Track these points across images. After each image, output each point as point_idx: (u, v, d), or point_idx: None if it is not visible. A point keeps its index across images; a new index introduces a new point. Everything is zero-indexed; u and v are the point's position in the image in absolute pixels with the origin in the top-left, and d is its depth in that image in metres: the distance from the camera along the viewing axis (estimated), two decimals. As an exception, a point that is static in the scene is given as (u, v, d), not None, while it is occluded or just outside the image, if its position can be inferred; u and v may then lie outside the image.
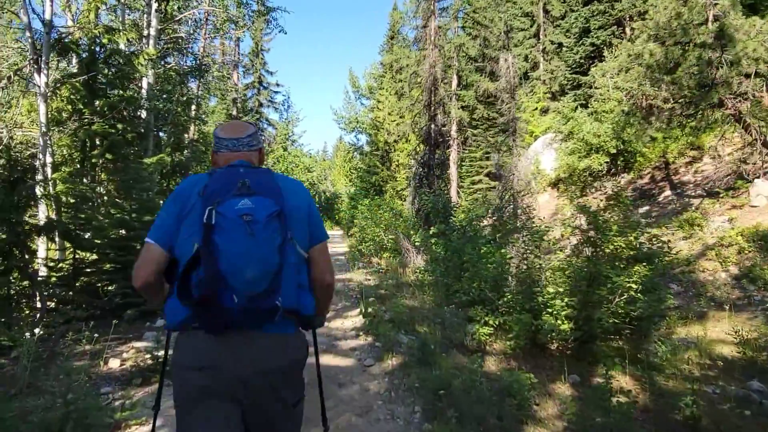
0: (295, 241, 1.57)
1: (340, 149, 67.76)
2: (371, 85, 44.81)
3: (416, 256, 10.41)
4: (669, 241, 7.40)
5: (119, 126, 10.80)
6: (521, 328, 5.08)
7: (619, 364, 5.46)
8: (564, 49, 23.18)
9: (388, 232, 13.25)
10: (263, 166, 1.78)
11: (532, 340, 5.44)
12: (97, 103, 10.09)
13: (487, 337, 5.58)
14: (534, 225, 6.65)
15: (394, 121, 29.37)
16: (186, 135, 12.39)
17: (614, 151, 16.42)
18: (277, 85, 38.32)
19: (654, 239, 6.32)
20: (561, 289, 5.41)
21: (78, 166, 10.41)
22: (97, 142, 10.12)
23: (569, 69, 22.74)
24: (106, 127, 9.76)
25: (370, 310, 6.49)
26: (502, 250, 7.41)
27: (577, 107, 19.01)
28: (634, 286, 5.53)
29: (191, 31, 12.15)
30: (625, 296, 5.53)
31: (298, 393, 1.63)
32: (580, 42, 21.75)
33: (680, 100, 10.30)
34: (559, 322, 5.34)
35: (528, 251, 6.09)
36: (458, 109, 23.85)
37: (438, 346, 5.01)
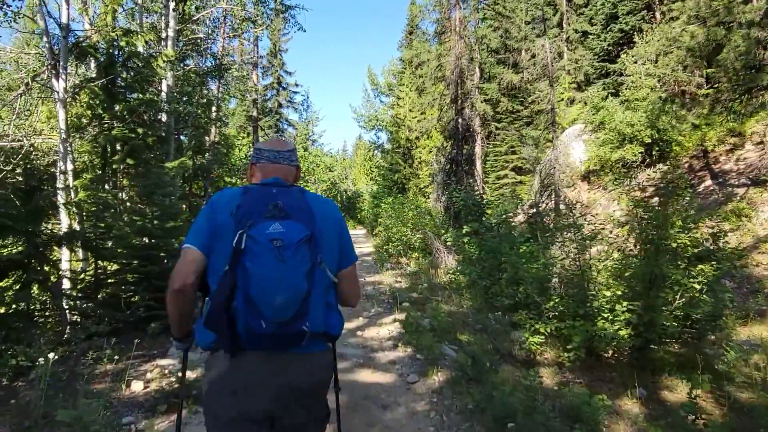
0: (325, 265, 1.55)
1: (359, 148, 67.66)
2: (390, 82, 44.41)
3: (447, 256, 9.95)
4: (723, 233, 6.82)
5: (139, 130, 10.57)
6: (581, 338, 4.59)
7: (680, 371, 4.97)
8: (590, 37, 22.38)
9: (416, 231, 12.82)
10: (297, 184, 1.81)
11: (587, 348, 4.95)
12: (116, 107, 9.87)
13: (538, 347, 5.11)
14: (585, 221, 6.11)
15: (415, 117, 28.88)
16: (207, 137, 12.12)
17: (649, 140, 15.68)
18: (296, 85, 38.25)
19: (720, 234, 5.74)
20: (619, 292, 4.90)
21: (99, 172, 10.22)
22: (118, 148, 9.91)
23: (596, 57, 21.95)
24: (126, 131, 9.52)
25: (407, 317, 6.07)
26: (545, 250, 6.92)
27: (607, 96, 18.25)
28: (697, 286, 5.02)
29: (210, 32, 11.88)
30: (685, 297, 5.02)
31: (325, 408, 1.67)
32: (608, 29, 20.95)
33: (726, 84, 9.61)
34: (617, 327, 4.85)
35: (578, 251, 5.57)
36: (481, 102, 23.31)
37: (486, 358, 4.56)
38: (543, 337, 5.12)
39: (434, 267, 10.00)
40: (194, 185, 12.80)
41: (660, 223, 4.79)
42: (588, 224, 6.41)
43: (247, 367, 1.48)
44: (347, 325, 6.25)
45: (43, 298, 6.08)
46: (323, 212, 1.64)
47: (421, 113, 28.24)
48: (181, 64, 12.00)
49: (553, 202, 8.40)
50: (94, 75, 10.32)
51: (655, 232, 4.85)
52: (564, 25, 26.79)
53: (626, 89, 17.50)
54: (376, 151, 50.33)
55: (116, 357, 4.50)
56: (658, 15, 19.96)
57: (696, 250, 5.21)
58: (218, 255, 1.51)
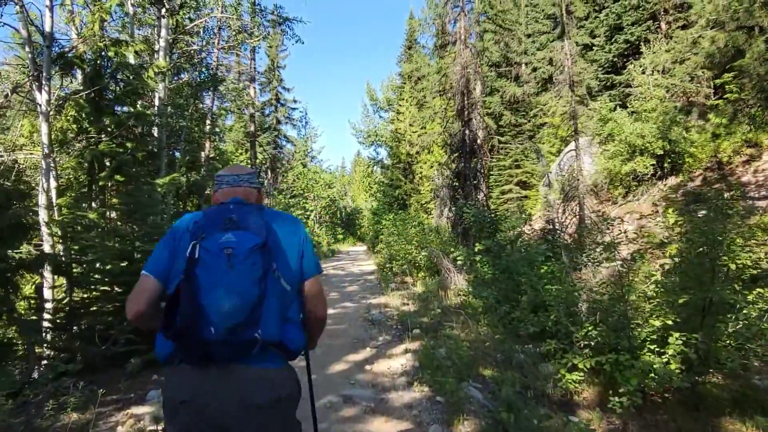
0: (279, 274, 1.56)
1: (358, 164, 67.37)
2: (389, 97, 44.16)
3: (457, 275, 9.29)
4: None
5: (128, 145, 9.98)
6: (638, 381, 3.91)
7: (736, 409, 4.31)
8: (594, 48, 21.98)
9: (421, 249, 12.16)
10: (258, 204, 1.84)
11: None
12: (104, 120, 9.29)
13: (576, 385, 4.43)
14: (621, 238, 5.45)
15: (416, 132, 28.42)
16: (202, 152, 11.54)
17: (661, 152, 15.12)
18: (294, 101, 37.90)
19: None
20: (670, 321, 4.23)
21: (85, 189, 9.60)
22: (107, 163, 9.31)
23: (601, 69, 21.52)
24: (114, 146, 8.92)
25: (422, 350, 5.39)
26: (570, 270, 6.26)
27: (615, 107, 17.75)
28: (754, 313, 4.37)
29: (204, 43, 11.35)
30: (741, 325, 4.36)
31: (287, 429, 1.62)
32: (612, 40, 20.54)
33: (749, 91, 9.07)
34: (665, 361, 4.17)
35: (616, 272, 4.93)
36: (485, 116, 22.84)
37: (517, 400, 3.88)
38: (582, 373, 4.43)
39: (444, 288, 9.32)
40: (189, 203, 12.16)
41: (717, 241, 4.15)
42: (625, 241, 5.76)
43: (200, 379, 1.49)
44: (353, 358, 5.58)
45: (10, 330, 5.40)
46: (282, 225, 1.70)
47: (422, 128, 27.80)
48: (175, 78, 11.45)
49: (576, 216, 7.76)
50: (81, 87, 9.77)
51: (711, 251, 4.20)
52: (565, 38, 26.51)
53: (635, 100, 17.01)
54: (375, 167, 49.91)
55: (85, 403, 3.82)
56: (663, 25, 19.58)
57: (755, 272, 4.56)
58: (177, 273, 1.53)
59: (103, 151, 8.81)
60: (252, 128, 16.91)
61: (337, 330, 6.96)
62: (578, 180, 7.90)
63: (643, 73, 16.91)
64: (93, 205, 9.85)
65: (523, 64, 27.58)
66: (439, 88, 24.43)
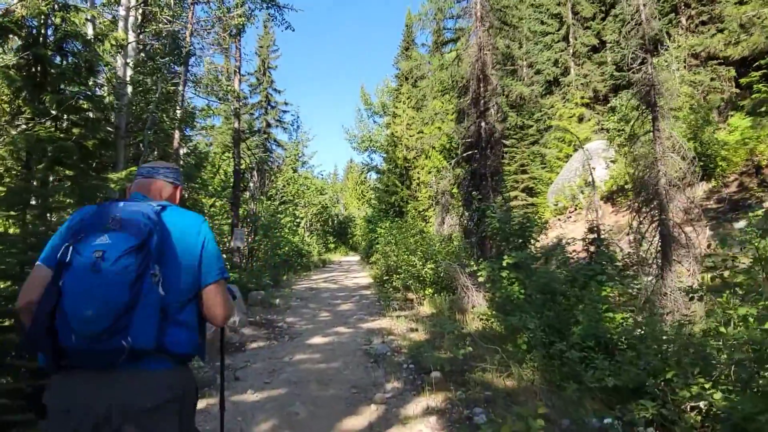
0: (160, 278, 1.46)
1: (351, 171, 65.82)
2: (384, 101, 42.64)
3: (476, 294, 7.59)
4: None
5: (75, 131, 8.22)
6: None
7: None
8: (608, 45, 20.59)
9: (426, 260, 10.46)
10: (174, 204, 1.78)
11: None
12: (43, 100, 7.55)
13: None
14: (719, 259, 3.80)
15: (413, 135, 26.83)
16: (174, 144, 9.77)
17: (691, 154, 13.55)
18: (286, 104, 36.41)
19: None
20: None
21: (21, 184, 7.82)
22: (50, 153, 7.55)
23: (616, 67, 20.10)
24: (54, 130, 7.17)
25: (444, 403, 3.67)
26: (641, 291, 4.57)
27: (638, 106, 16.20)
28: None
29: (174, 15, 9.61)
30: None
31: None
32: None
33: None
34: None
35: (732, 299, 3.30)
36: (503, 105, 21.30)
37: None
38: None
39: (460, 310, 7.62)
40: None
41: None
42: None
43: (73, 385, 1.43)
44: (352, 425, 3.81)
45: None
46: (177, 226, 1.60)
47: (419, 132, 26.20)
48: (141, 53, 9.68)
49: (656, 227, 6.07)
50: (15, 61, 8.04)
51: None
52: (570, 39, 25.13)
53: (659, 98, 15.49)
54: (370, 173, 48.36)
55: None
56: (683, 20, 18.18)
57: None
58: None
59: (41, 137, 7.05)
60: (236, 124, 15.14)
61: (329, 372, 5.20)
62: (659, 177, 6.23)
63: (667, 68, 15.41)
64: (33, 202, 8.08)
65: (525, 65, 26.18)
66: (439, 88, 22.93)
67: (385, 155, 29.71)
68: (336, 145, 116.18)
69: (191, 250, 1.61)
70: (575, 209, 18.48)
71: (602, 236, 6.78)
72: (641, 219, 6.71)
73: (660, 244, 6.16)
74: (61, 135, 7.50)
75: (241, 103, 15.71)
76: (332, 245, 37.59)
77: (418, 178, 26.86)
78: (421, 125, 24.39)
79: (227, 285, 1.86)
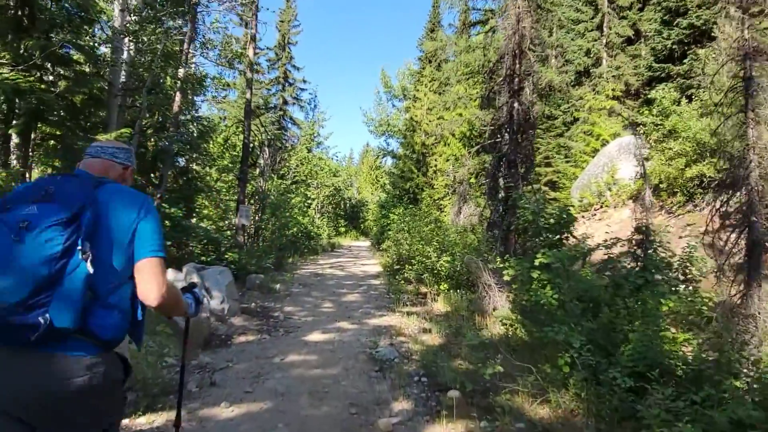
0: (90, 255, 1.35)
1: (366, 155, 64.77)
2: (405, 85, 41.45)
3: (498, 294, 6.68)
4: None
5: (62, 83, 7.37)
6: None
7: None
8: (649, 35, 19.31)
9: (442, 252, 9.55)
10: (122, 184, 1.70)
11: None
12: (22, 44, 6.74)
13: None
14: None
15: (432, 120, 25.73)
16: (174, 107, 8.86)
17: (738, 153, 12.40)
18: (304, 81, 35.51)
19: None
20: None
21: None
22: (30, 104, 6.73)
23: (655, 57, 18.84)
24: (33, 81, 6.34)
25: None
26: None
27: (679, 99, 15.01)
28: None
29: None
30: None
31: (99, 424, 1.47)
32: (675, 24, 17.77)
33: None
34: None
35: None
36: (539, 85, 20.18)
37: None
38: None
39: (479, 310, 6.71)
40: (154, 174, 9.54)
41: None
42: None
43: None
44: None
45: None
46: (114, 203, 1.51)
47: (439, 117, 25.06)
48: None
49: (742, 231, 5.07)
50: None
51: None
52: (604, 29, 23.76)
53: (703, 92, 14.29)
54: (386, 158, 47.31)
55: None
56: (733, 11, 16.79)
57: None
58: None
59: (19, 86, 6.24)
60: (248, 94, 14.25)
61: (325, 381, 4.33)
62: (752, 160, 5.23)
63: (716, 59, 14.15)
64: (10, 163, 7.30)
65: (555, 54, 24.88)
66: (464, 71, 21.77)
67: (402, 140, 28.68)
68: (353, 129, 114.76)
69: (125, 228, 1.51)
70: (601, 207, 17.39)
71: (652, 238, 5.82)
72: (723, 221, 5.67)
73: (747, 252, 5.17)
74: (43, 87, 6.69)
75: (254, 72, 14.81)
76: (343, 229, 36.75)
77: (435, 165, 25.85)
78: (443, 110, 23.28)
79: (193, 289, 1.92)
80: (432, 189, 25.58)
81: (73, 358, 1.36)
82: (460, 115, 22.46)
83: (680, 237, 12.07)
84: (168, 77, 8.91)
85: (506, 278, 6.20)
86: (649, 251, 5.79)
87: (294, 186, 27.13)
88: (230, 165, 15.34)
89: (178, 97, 8.75)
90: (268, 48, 34.54)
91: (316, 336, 6.00)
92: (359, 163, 67.76)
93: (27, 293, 1.25)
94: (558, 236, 6.16)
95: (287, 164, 31.52)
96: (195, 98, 12.91)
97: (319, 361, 4.94)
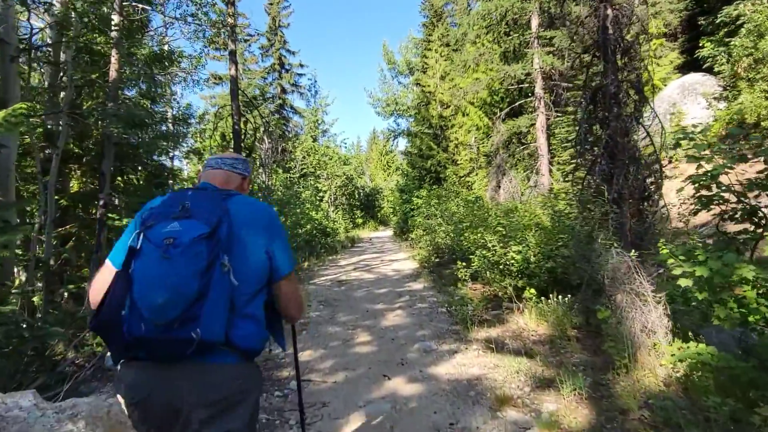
0: (230, 268, 1.38)
1: (375, 142, 61.99)
2: (409, 60, 38.41)
3: (654, 311, 3.90)
4: None
5: None
6: None
7: None
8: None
9: (513, 240, 6.81)
10: (244, 194, 1.78)
11: None
12: None
13: None
14: None
15: (449, 88, 22.77)
16: (111, 73, 6.17)
17: None
18: (301, 66, 32.91)
19: None
20: None
21: None
22: None
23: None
24: None
25: None
26: None
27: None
28: None
29: None
30: None
31: (245, 427, 1.48)
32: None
33: None
34: None
35: None
36: (544, 55, 17.19)
37: None
38: None
39: (614, 334, 3.94)
40: (72, 166, 6.85)
41: None
42: None
43: (140, 376, 1.41)
44: None
45: None
46: (245, 215, 1.53)
47: (454, 86, 22.06)
48: None
49: None
50: None
51: None
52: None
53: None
54: (396, 140, 44.53)
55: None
56: None
57: None
58: None
59: None
60: (232, 70, 11.54)
61: None
62: None
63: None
64: None
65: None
66: (482, 24, 18.75)
67: (416, 113, 25.73)
68: (358, 114, 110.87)
69: (259, 240, 1.53)
70: (670, 161, 14.42)
71: None
72: None
73: None
74: None
75: (237, 43, 12.03)
76: (360, 220, 34.02)
77: (456, 139, 22.95)
78: (462, 70, 20.24)
79: None
80: (456, 165, 22.73)
81: (220, 366, 1.41)
82: (477, 79, 19.53)
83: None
84: (97, 32, 6.15)
85: (684, 282, 3.43)
86: None
87: (302, 179, 24.51)
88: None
89: (114, 58, 6.03)
90: (258, 33, 31.88)
91: (356, 421, 3.32)
92: (367, 151, 65.04)
93: (181, 309, 1.28)
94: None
95: (293, 156, 28.90)
96: (165, 81, 10.24)
97: None
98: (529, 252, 6.56)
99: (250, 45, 31.36)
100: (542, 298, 5.59)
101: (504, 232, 7.04)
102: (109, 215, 5.60)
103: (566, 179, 16.85)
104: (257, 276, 1.50)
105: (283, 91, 32.04)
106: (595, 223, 5.49)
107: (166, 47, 10.10)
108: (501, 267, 6.94)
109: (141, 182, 7.72)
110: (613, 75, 5.53)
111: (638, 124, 5.51)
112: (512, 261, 6.68)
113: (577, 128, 6.08)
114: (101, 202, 5.77)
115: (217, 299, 1.32)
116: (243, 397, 1.45)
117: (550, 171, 17.84)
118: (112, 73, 6.04)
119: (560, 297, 5.37)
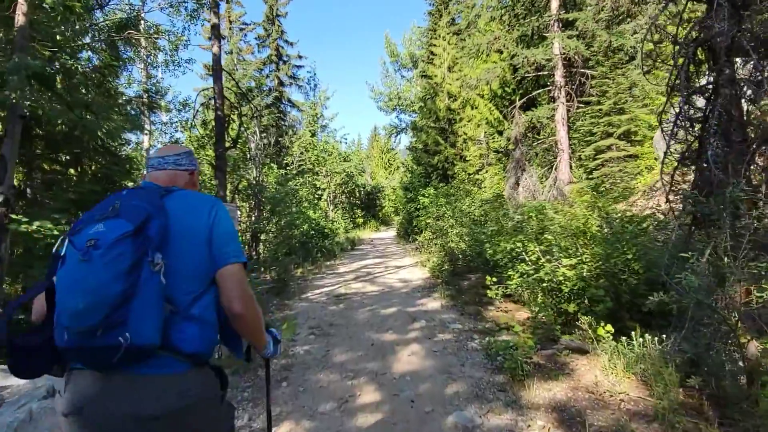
0: (162, 265, 1.26)
1: (376, 140, 60.46)
2: (413, 52, 36.79)
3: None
4: None
5: None
6: None
7: None
8: None
9: (564, 254, 5.16)
10: (193, 190, 1.65)
11: None
12: None
13: None
14: None
15: (458, 78, 21.10)
16: (19, 17, 4.50)
17: None
18: (300, 57, 31.36)
19: None
20: None
21: None
22: None
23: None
24: None
25: None
26: None
27: None
28: None
29: None
30: None
31: None
32: None
33: None
34: None
35: None
36: (566, 39, 15.51)
37: None
38: None
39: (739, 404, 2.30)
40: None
41: None
42: None
43: (75, 388, 1.28)
44: None
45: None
46: (183, 210, 1.41)
47: (463, 76, 20.37)
48: None
49: None
50: None
51: None
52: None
53: None
54: (398, 137, 42.93)
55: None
56: None
57: None
58: None
59: None
60: (214, 48, 9.90)
61: None
62: None
63: None
64: None
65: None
66: (498, 5, 17.08)
67: (421, 106, 24.03)
68: (359, 110, 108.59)
69: (198, 235, 1.40)
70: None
71: None
72: None
73: None
74: None
75: (219, 18, 10.34)
76: (360, 220, 32.33)
77: (465, 134, 21.27)
78: (474, 56, 18.54)
79: (270, 329, 1.71)
80: (464, 162, 21.05)
81: (160, 377, 1.28)
82: (491, 67, 17.85)
83: None
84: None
85: None
86: None
87: (299, 175, 22.85)
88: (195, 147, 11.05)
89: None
90: (255, 23, 30.28)
91: None
92: (368, 148, 63.48)
93: (103, 314, 1.17)
94: None
95: (290, 152, 27.28)
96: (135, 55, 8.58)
97: None
98: (584, 267, 4.93)
99: (246, 35, 29.80)
100: (619, 335, 3.93)
101: (553, 241, 5.37)
102: (13, 217, 3.97)
103: (589, 176, 15.19)
104: (198, 273, 1.37)
105: (281, 83, 30.50)
106: (707, 230, 3.83)
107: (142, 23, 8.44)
108: (545, 286, 5.30)
109: (87, 175, 6.05)
110: (727, 22, 3.86)
111: (764, 93, 3.86)
112: (562, 278, 5.04)
113: (665, 101, 4.38)
114: None
115: (147, 300, 1.21)
116: (191, 415, 1.27)
117: (570, 167, 16.20)
118: (19, 18, 4.36)
119: (648, 335, 3.71)
